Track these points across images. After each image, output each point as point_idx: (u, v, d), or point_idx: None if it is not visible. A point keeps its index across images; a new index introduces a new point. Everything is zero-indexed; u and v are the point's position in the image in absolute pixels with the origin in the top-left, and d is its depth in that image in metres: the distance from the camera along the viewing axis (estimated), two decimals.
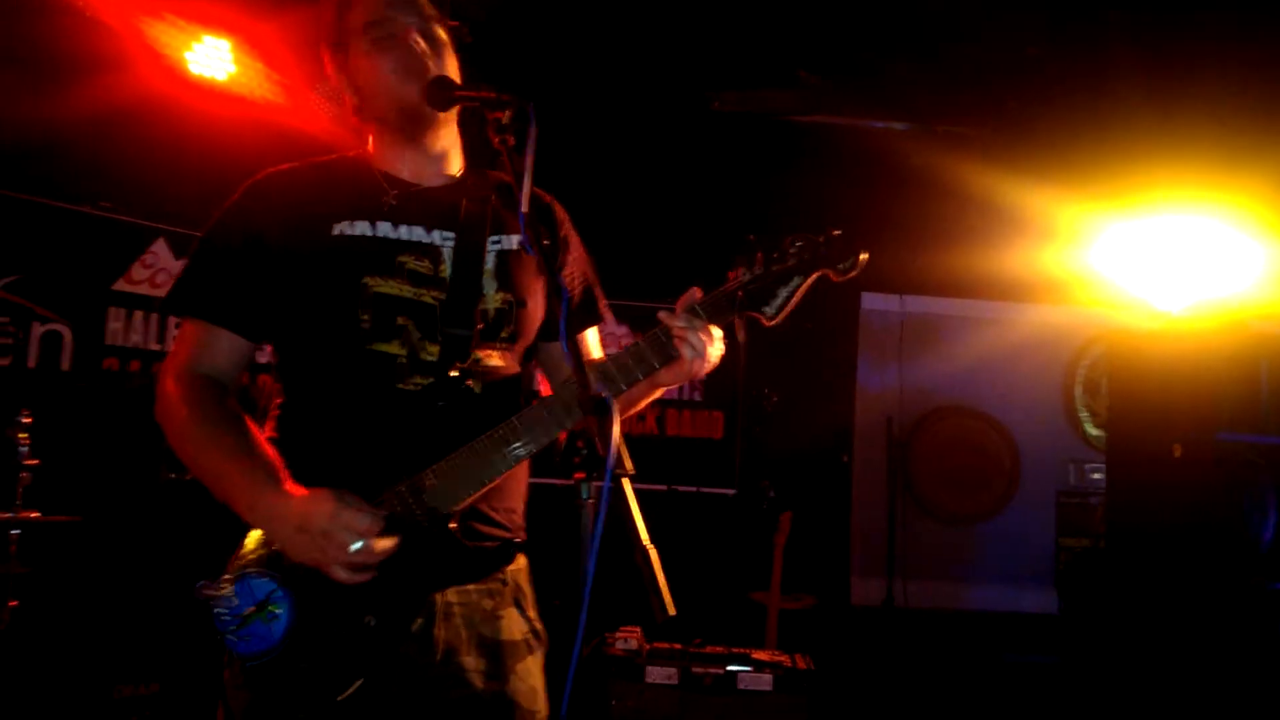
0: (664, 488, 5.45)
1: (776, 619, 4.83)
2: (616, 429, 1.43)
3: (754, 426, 5.89)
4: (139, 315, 4.82)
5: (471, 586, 1.71)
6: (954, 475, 6.21)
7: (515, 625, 1.76)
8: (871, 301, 6.28)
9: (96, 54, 4.14)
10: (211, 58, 4.19)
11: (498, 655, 1.72)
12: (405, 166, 1.80)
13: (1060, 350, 6.30)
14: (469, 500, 1.63)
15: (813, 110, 5.09)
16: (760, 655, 3.99)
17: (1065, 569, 5.30)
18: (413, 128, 1.77)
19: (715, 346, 1.68)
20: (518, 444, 1.61)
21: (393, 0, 1.75)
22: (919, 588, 5.77)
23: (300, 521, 1.52)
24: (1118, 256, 5.17)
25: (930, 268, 5.58)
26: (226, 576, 1.58)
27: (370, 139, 1.84)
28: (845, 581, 5.93)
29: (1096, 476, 5.68)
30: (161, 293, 4.86)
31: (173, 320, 4.74)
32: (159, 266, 4.89)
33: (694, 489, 5.64)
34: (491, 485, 1.64)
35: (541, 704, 1.75)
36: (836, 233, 1.66)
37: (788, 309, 1.67)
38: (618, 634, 3.94)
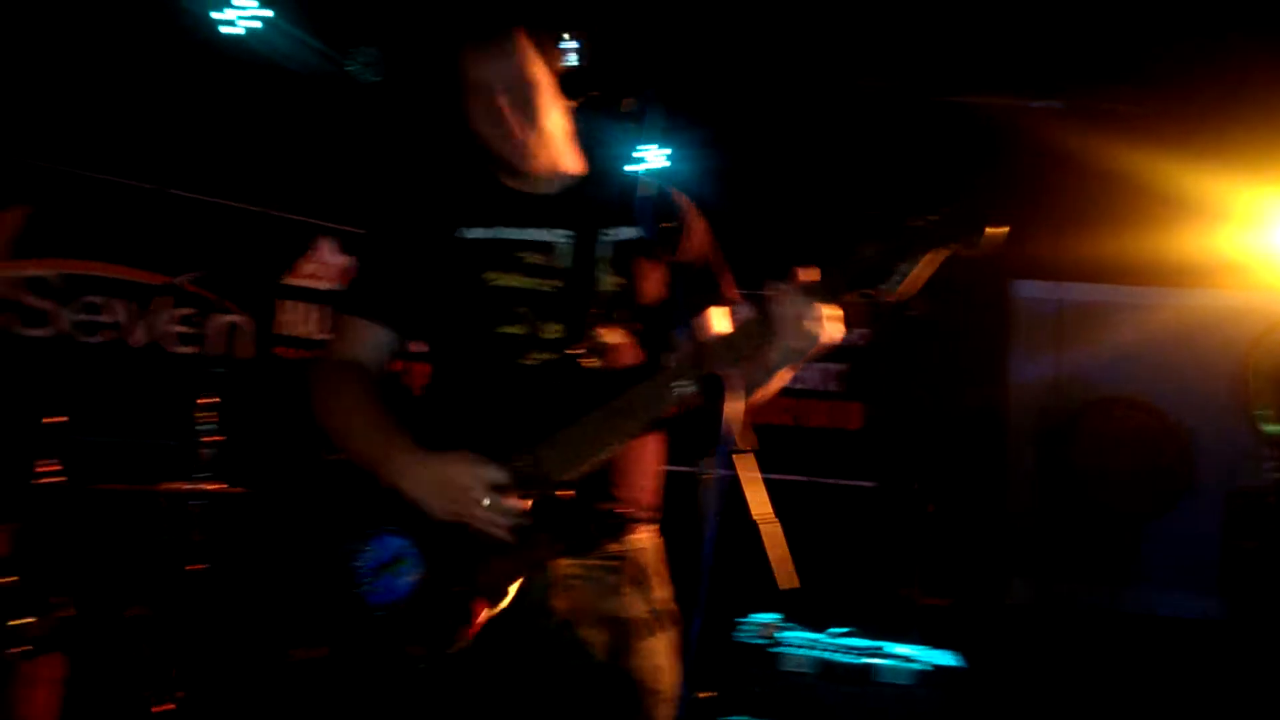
0: (801, 479, 5.43)
1: (920, 614, 4.73)
2: (732, 405, 1.46)
3: (895, 418, 5.77)
4: (306, 308, 5.21)
5: (591, 560, 1.78)
6: (1116, 471, 5.88)
7: (638, 603, 1.80)
8: (1025, 289, 6.03)
9: (272, 66, 4.50)
10: (368, 66, 4.45)
11: (619, 631, 1.77)
12: (519, 181, 1.91)
13: (1236, 338, 5.86)
14: (581, 472, 1.69)
15: (962, 90, 4.94)
16: (901, 649, 3.92)
17: (1234, 572, 4.95)
18: (510, 170, 1.88)
19: (824, 326, 1.62)
20: (629, 418, 1.67)
21: (484, 57, 1.81)
22: (1076, 588, 5.51)
23: (440, 480, 1.66)
24: None
25: (1089, 253, 5.32)
26: (367, 534, 1.74)
27: None
28: (995, 579, 5.74)
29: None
30: (327, 287, 5.24)
31: None
32: (325, 262, 5.27)
33: (832, 481, 5.59)
34: (604, 458, 1.70)
35: (666, 684, 1.77)
36: (965, 204, 1.54)
37: (910, 285, 1.57)
38: (752, 621, 3.95)
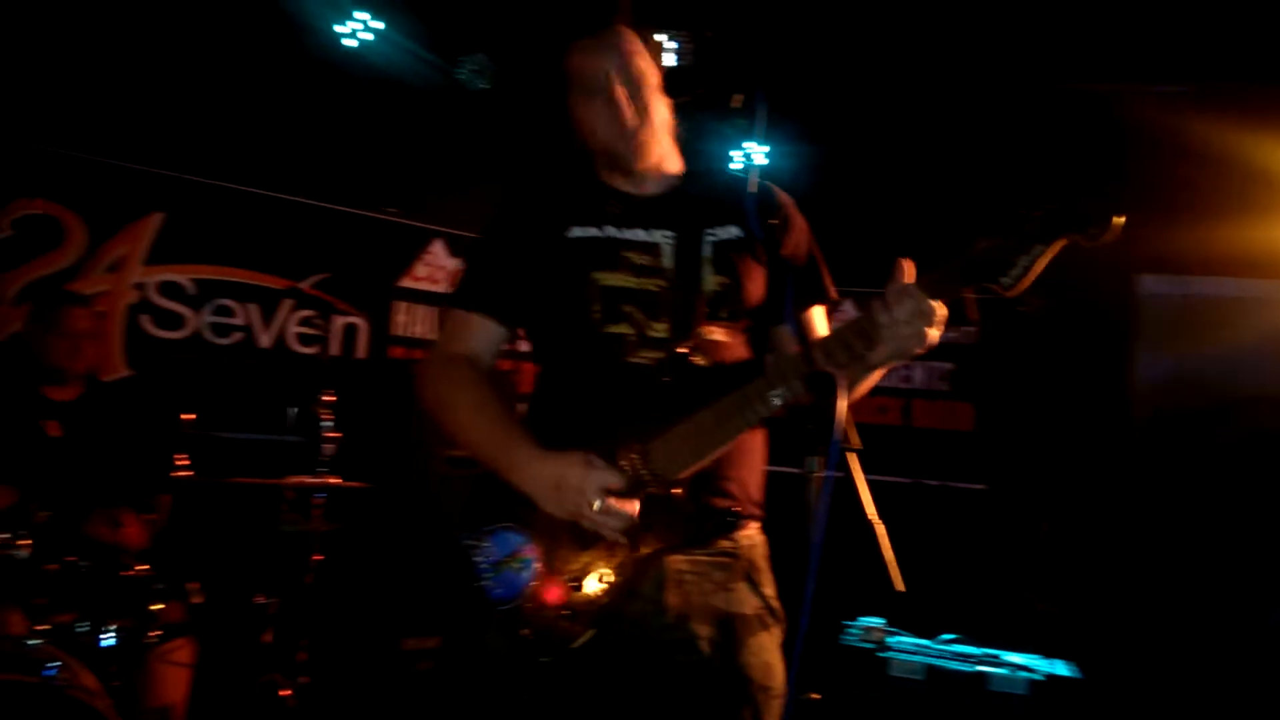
0: (909, 481, 5.32)
1: (1036, 622, 4.57)
2: (842, 403, 1.44)
3: (1009, 419, 5.59)
4: (420, 309, 5.38)
5: (701, 556, 1.78)
6: (1256, 477, 5.55)
7: (747, 600, 1.80)
8: (1150, 284, 5.74)
9: (385, 76, 4.66)
10: (476, 74, 4.57)
11: (729, 627, 1.77)
12: (625, 183, 1.95)
13: None
14: (692, 469, 1.70)
15: (1080, 76, 4.75)
16: (1014, 658, 3.79)
17: None
18: (621, 166, 1.91)
19: (927, 324, 1.58)
20: (737, 416, 1.67)
21: (594, 50, 1.88)
22: (1206, 600, 5.21)
23: (556, 480, 1.69)
24: None
25: (1218, 245, 5.04)
26: (485, 529, 1.78)
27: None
28: (1117, 586, 5.49)
29: None
30: (439, 289, 5.40)
31: None
32: (437, 264, 5.42)
33: (941, 483, 5.46)
34: (714, 456, 1.71)
35: (776, 681, 1.77)
36: (1084, 195, 1.48)
37: (1027, 279, 1.51)
38: (858, 624, 3.89)
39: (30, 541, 2.76)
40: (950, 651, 3.77)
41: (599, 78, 1.86)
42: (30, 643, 2.64)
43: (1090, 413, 5.52)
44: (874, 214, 5.28)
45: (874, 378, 1.79)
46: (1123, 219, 1.45)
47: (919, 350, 1.61)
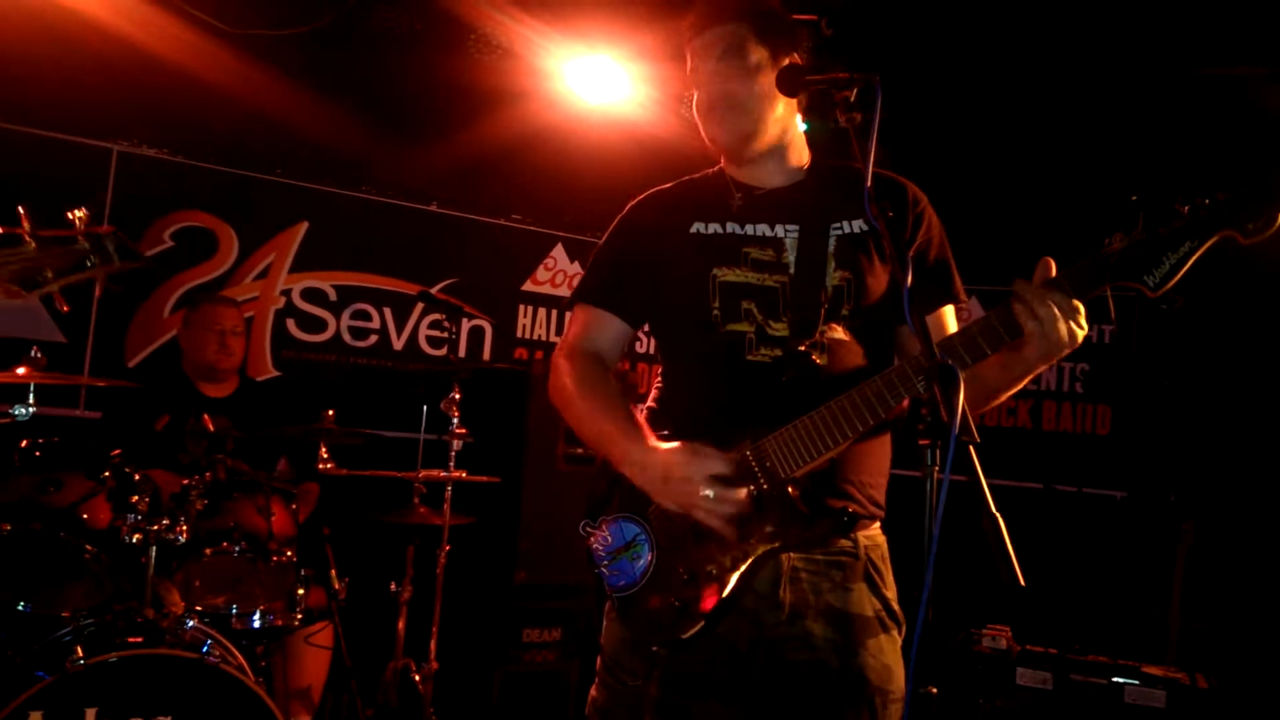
0: (1039, 486, 5.13)
1: (1177, 637, 4.34)
2: (961, 394, 1.43)
3: (1150, 422, 5.32)
4: (542, 312, 5.53)
5: (818, 555, 1.77)
6: None
7: (866, 600, 1.78)
8: None
9: (509, 88, 4.80)
10: (600, 81, 4.65)
11: (847, 627, 1.75)
12: (747, 175, 1.95)
13: None
14: (808, 467, 1.69)
15: (1223, 62, 4.46)
16: (1152, 670, 3.63)
17: None
18: (731, 155, 1.94)
19: (1072, 323, 1.53)
20: (856, 415, 1.65)
21: (700, 51, 1.89)
22: None
23: (665, 471, 1.70)
24: None
25: None
26: (604, 519, 1.83)
27: None
28: (1262, 601, 5.15)
29: None
30: (560, 293, 5.53)
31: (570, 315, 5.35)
32: (558, 269, 5.56)
33: (1074, 489, 5.23)
34: (831, 454, 1.69)
35: (897, 686, 1.74)
36: (1244, 187, 1.42)
37: (1176, 278, 1.45)
38: (986, 631, 3.79)
39: (187, 527, 2.96)
40: (1085, 663, 3.63)
41: (701, 73, 1.88)
42: (189, 624, 2.84)
43: (1242, 414, 5.20)
44: (1005, 210, 5.11)
45: (1022, 381, 1.73)
46: None
47: (1068, 350, 1.57)
